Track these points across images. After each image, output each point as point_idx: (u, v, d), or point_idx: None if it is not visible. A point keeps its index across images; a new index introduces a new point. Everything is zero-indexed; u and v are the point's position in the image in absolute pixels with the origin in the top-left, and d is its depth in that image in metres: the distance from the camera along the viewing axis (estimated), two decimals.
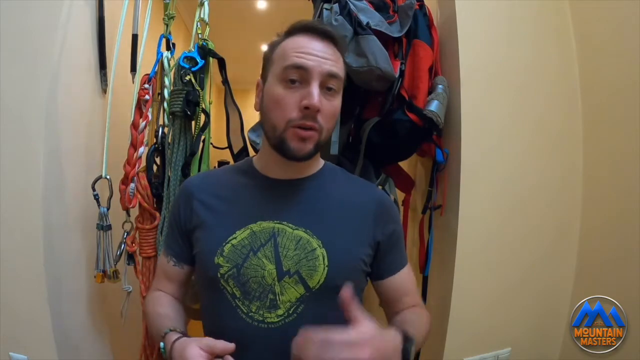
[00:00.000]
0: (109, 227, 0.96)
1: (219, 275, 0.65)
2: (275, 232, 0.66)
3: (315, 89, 0.61)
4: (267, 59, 0.68)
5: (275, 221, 0.67)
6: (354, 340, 0.48)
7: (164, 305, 0.72)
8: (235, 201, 0.70)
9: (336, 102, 0.65)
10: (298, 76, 0.62)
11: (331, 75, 0.62)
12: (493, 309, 1.01)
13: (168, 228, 0.77)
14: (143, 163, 0.99)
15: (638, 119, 0.86)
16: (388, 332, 0.56)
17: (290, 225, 0.66)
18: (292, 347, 0.50)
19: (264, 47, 0.78)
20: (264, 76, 0.69)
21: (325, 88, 0.63)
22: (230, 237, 0.66)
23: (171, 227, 0.75)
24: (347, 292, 0.52)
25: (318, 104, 0.60)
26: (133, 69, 1.08)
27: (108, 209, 0.96)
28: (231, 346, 0.58)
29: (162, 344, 0.63)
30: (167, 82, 1.00)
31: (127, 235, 0.99)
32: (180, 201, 0.73)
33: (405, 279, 0.75)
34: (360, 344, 0.48)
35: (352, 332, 0.49)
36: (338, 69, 0.64)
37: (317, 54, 0.62)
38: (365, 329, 0.49)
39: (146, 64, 1.02)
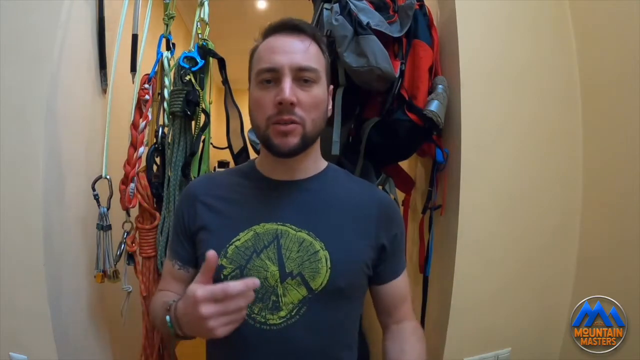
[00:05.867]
0: (109, 227, 0.96)
1: (222, 277, 0.65)
2: (279, 233, 0.66)
3: (286, 84, 0.61)
4: (249, 65, 0.70)
5: (279, 223, 0.67)
6: None
7: (170, 297, 0.70)
8: (238, 203, 0.70)
9: (315, 92, 0.65)
10: (271, 76, 0.63)
11: (302, 69, 0.63)
12: (493, 308, 1.01)
13: (172, 232, 0.77)
14: (143, 163, 0.99)
15: (638, 117, 0.86)
16: None
17: (294, 227, 0.66)
18: None
19: None
20: (249, 83, 0.70)
21: (301, 81, 0.63)
22: (234, 239, 0.66)
23: (175, 231, 0.75)
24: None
25: (289, 98, 0.61)
26: (133, 69, 1.08)
27: (108, 209, 0.96)
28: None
29: (168, 317, 0.59)
30: (167, 82, 1.00)
31: (127, 235, 0.99)
32: (183, 204, 0.73)
33: (403, 284, 0.75)
34: None
35: None
36: (309, 60, 0.64)
37: (286, 50, 0.63)
38: None
39: (146, 64, 1.02)
